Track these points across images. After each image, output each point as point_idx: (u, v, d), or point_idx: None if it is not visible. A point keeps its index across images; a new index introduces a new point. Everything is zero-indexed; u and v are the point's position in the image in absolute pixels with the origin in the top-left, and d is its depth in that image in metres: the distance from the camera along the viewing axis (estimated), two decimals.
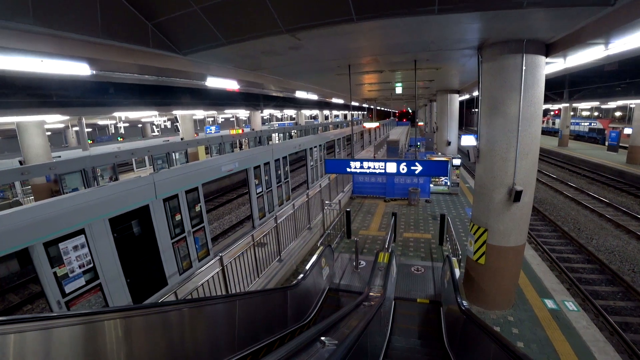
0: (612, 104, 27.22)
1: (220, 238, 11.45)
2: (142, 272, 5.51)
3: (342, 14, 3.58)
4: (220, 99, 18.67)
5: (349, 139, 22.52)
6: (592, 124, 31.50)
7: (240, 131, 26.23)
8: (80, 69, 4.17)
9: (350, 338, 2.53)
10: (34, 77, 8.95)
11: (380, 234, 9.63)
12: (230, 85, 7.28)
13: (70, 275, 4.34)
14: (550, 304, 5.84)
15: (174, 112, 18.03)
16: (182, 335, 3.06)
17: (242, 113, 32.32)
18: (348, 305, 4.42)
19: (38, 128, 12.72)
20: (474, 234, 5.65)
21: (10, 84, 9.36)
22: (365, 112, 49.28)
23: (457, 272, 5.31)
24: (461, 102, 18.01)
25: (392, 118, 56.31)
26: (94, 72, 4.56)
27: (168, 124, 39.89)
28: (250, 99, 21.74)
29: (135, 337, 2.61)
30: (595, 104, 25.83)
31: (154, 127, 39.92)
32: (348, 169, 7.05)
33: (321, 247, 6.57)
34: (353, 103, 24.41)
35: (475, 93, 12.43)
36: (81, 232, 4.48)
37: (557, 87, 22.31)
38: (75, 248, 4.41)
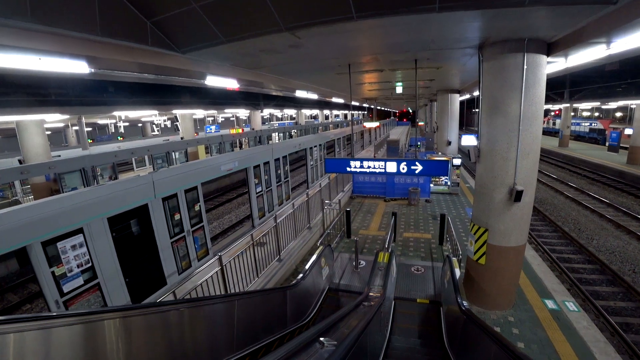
0: (612, 105, 27.21)
1: (220, 237, 11.44)
2: (141, 271, 5.49)
3: (342, 12, 3.56)
4: (220, 98, 18.65)
5: (349, 139, 22.51)
6: (593, 125, 31.44)
7: (240, 130, 26.19)
8: (78, 67, 4.14)
9: (349, 338, 2.51)
10: (34, 75, 8.95)
11: (380, 233, 9.61)
12: (230, 84, 7.26)
13: (69, 274, 4.32)
14: (550, 304, 5.82)
15: (174, 111, 18.01)
16: (181, 335, 3.05)
17: (242, 112, 32.27)
18: (348, 305, 4.39)
19: (38, 127, 12.73)
20: (475, 233, 5.63)
21: (9, 82, 9.35)
22: (365, 112, 49.24)
23: (457, 272, 5.29)
24: (461, 102, 17.96)
25: (392, 118, 56.28)
26: (93, 70, 4.55)
27: (168, 123, 39.83)
28: (250, 98, 21.72)
29: (134, 336, 2.60)
30: (596, 104, 25.79)
31: (154, 126, 39.83)
32: (348, 169, 7.04)
33: (321, 247, 6.56)
34: (353, 103, 24.37)
35: (476, 93, 12.40)
36: (79, 231, 4.46)
37: (558, 87, 22.27)
38: (74, 247, 4.39)
